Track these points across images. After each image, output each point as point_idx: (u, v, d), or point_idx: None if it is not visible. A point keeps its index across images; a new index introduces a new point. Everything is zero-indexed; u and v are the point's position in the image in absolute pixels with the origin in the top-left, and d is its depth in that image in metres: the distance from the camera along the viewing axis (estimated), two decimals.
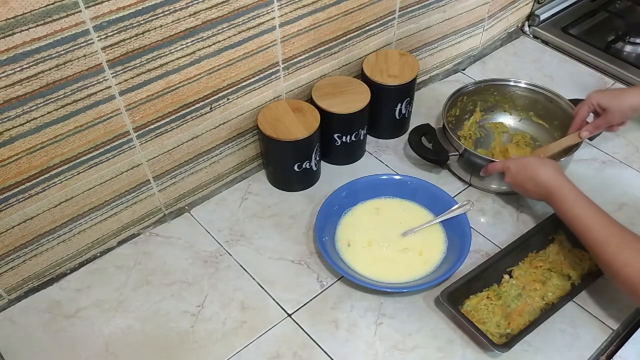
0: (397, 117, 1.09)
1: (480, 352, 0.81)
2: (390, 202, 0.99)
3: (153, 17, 0.75)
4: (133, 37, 0.75)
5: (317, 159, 1.01)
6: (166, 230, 0.97)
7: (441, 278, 0.86)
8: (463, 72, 1.29)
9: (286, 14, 0.90)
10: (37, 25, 0.66)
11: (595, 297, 0.87)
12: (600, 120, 0.97)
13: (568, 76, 1.27)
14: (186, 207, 1.00)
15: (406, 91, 1.06)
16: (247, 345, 0.82)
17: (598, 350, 0.82)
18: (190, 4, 0.77)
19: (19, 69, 0.68)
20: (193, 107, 0.89)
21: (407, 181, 0.99)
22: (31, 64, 0.68)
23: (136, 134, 0.85)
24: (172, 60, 0.81)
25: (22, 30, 0.65)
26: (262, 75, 0.95)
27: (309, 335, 0.83)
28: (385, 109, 1.07)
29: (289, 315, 0.86)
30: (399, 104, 1.07)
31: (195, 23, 0.80)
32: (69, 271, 0.91)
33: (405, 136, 1.13)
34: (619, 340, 0.84)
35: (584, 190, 0.83)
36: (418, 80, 1.18)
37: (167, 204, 0.98)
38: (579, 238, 0.83)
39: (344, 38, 1.02)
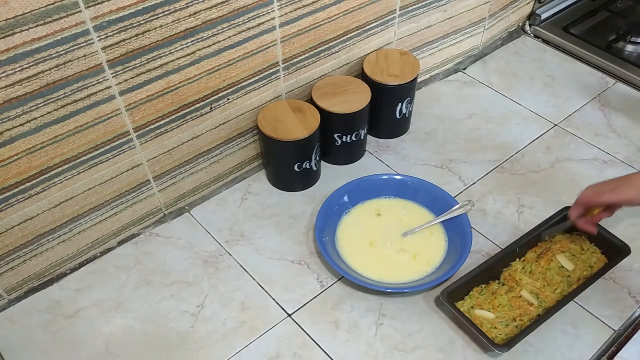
0: (398, 117, 1.09)
1: (481, 352, 0.81)
2: (390, 202, 0.99)
3: (153, 17, 0.75)
4: (133, 37, 0.75)
5: (317, 159, 1.01)
6: (166, 230, 0.97)
7: (442, 278, 0.86)
8: (464, 71, 1.29)
9: (286, 14, 0.89)
10: (37, 25, 0.66)
11: (597, 297, 0.87)
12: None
13: (569, 75, 1.27)
14: (186, 207, 1.00)
15: (407, 91, 1.06)
16: (247, 345, 0.82)
17: (599, 351, 0.82)
18: (190, 4, 0.77)
19: (19, 69, 0.67)
20: (193, 107, 0.89)
21: (408, 181, 0.99)
22: (31, 64, 0.68)
23: (136, 134, 0.85)
24: (172, 60, 0.81)
25: (22, 30, 0.65)
26: (262, 75, 0.94)
27: (309, 336, 0.83)
28: (386, 109, 1.07)
29: (289, 315, 0.86)
30: (400, 104, 1.07)
31: (195, 23, 0.80)
32: (69, 271, 0.91)
33: (406, 136, 1.13)
34: (621, 340, 0.84)
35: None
36: (419, 80, 1.18)
37: (167, 204, 0.98)
38: None
39: (344, 37, 1.02)
